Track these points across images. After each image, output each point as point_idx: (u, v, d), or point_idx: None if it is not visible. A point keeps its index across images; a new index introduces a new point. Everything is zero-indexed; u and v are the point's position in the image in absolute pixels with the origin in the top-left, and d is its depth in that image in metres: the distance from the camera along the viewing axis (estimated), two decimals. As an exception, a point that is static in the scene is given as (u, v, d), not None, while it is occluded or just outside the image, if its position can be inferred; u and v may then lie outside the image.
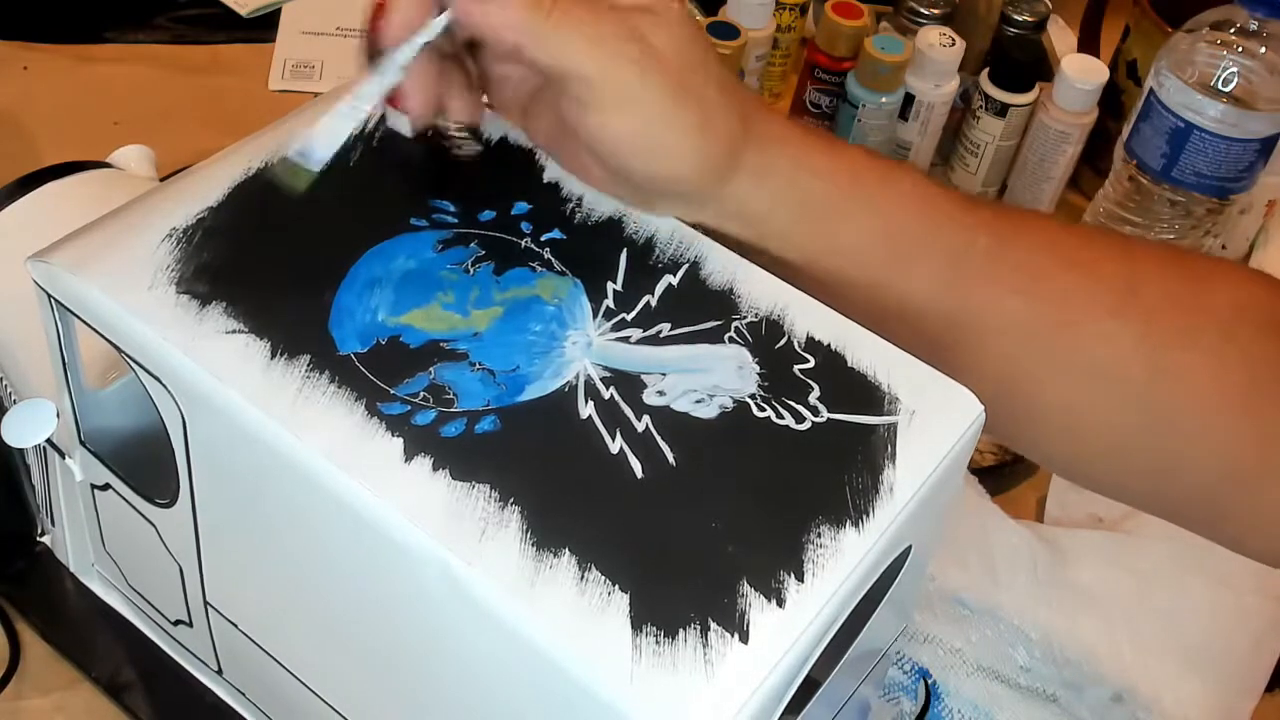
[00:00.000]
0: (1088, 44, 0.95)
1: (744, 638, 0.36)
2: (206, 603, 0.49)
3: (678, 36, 0.42)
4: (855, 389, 0.43)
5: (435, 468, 0.39)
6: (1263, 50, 0.74)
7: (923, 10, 0.90)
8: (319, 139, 0.42)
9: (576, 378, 0.42)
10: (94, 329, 0.43)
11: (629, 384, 0.42)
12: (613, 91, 0.42)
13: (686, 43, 0.43)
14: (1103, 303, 0.48)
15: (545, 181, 0.48)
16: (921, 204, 0.48)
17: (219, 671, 0.52)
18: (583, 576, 0.37)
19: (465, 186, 0.47)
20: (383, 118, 0.48)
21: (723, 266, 0.46)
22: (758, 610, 0.37)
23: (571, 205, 0.47)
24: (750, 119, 0.45)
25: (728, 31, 0.84)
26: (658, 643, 0.36)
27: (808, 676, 0.38)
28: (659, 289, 0.45)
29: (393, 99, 0.43)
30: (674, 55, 0.42)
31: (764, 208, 0.46)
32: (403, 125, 0.45)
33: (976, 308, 0.48)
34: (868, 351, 0.44)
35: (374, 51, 0.42)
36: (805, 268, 0.47)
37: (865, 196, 0.47)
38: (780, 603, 0.37)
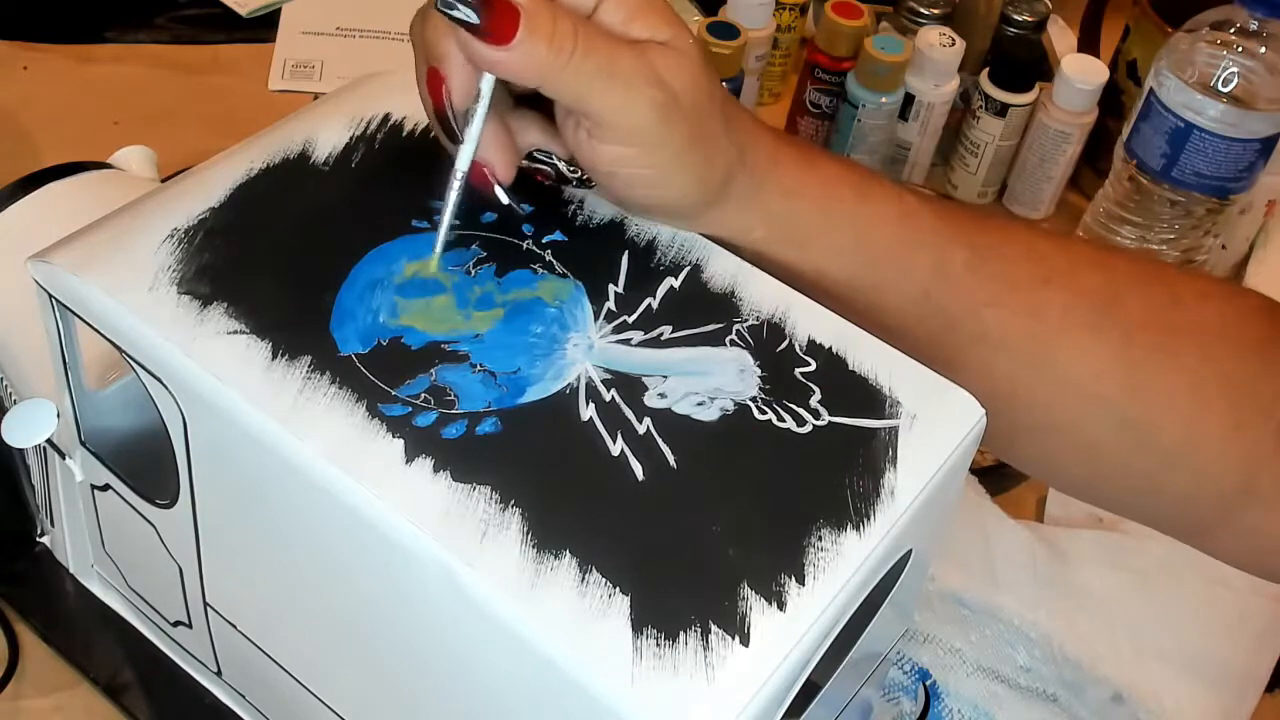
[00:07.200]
0: (1088, 44, 0.95)
1: (745, 640, 0.36)
2: (206, 604, 0.49)
3: (694, 75, 0.42)
4: (856, 392, 0.43)
5: (436, 469, 0.39)
6: (1263, 50, 0.74)
7: (923, 10, 0.90)
8: (441, 232, 0.44)
9: (578, 380, 0.42)
10: (95, 329, 0.43)
11: (630, 386, 0.42)
12: (630, 132, 0.42)
13: (700, 80, 0.42)
14: (1080, 317, 0.48)
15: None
16: (898, 219, 0.47)
17: (218, 673, 0.52)
18: (583, 578, 0.37)
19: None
20: (385, 118, 0.48)
21: (724, 269, 0.46)
22: (758, 613, 0.37)
23: (573, 207, 0.47)
24: (744, 147, 0.45)
25: (728, 31, 0.83)
26: (658, 645, 0.36)
27: (808, 679, 0.38)
28: (660, 291, 0.45)
29: (479, 177, 0.44)
30: (690, 97, 0.42)
31: (741, 228, 0.46)
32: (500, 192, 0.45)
33: (954, 320, 0.48)
34: (869, 355, 0.44)
35: (446, 124, 0.43)
36: (783, 279, 0.47)
37: (839, 215, 0.47)
38: (781, 606, 0.37)
